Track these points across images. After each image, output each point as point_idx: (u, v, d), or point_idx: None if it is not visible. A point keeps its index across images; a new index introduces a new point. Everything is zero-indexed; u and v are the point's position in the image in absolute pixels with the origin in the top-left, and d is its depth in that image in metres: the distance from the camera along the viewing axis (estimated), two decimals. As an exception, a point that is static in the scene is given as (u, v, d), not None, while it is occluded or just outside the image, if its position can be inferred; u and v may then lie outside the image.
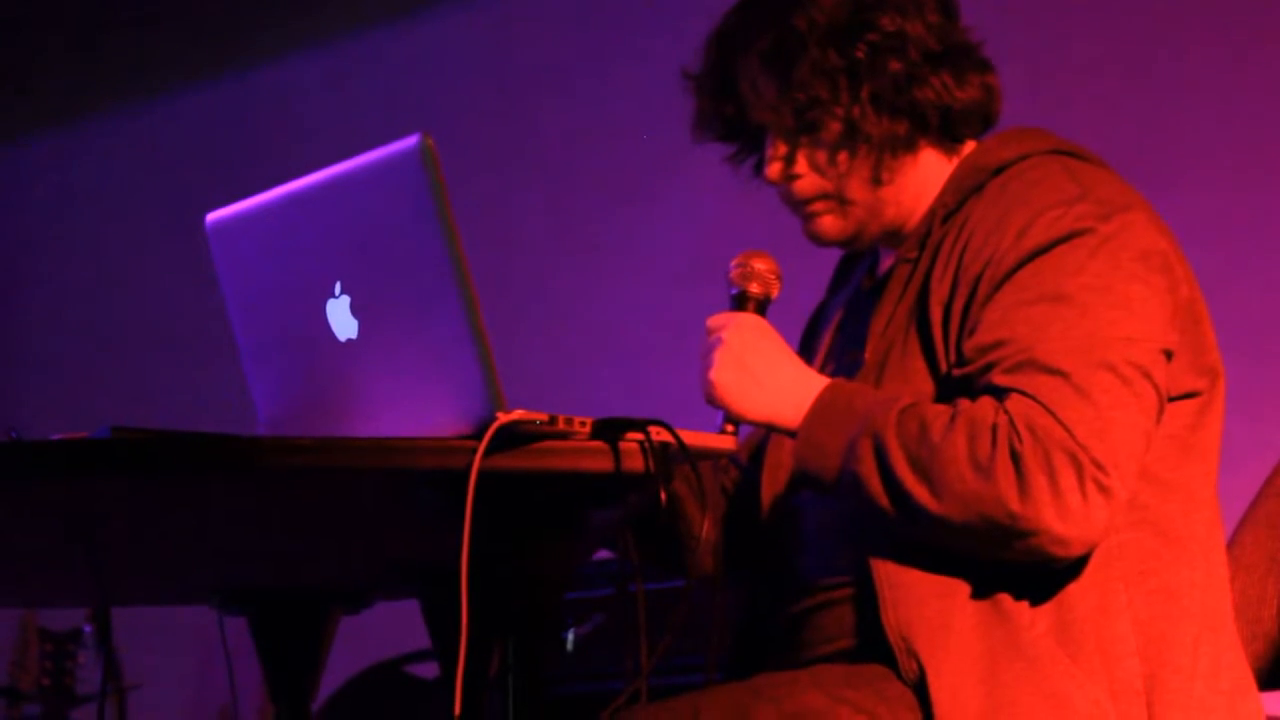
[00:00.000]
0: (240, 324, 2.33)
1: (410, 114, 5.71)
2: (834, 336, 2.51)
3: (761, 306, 2.40)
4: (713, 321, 2.37)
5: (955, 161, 2.43)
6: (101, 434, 1.95)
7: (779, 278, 2.41)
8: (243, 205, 2.29)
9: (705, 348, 2.35)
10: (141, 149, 6.47)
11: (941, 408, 2.23)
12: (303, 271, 2.21)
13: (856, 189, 2.41)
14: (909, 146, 2.40)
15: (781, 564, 2.44)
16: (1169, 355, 2.28)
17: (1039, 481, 2.16)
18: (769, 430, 2.38)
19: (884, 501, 2.22)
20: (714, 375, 2.32)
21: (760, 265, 2.41)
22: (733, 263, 2.41)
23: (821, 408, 2.28)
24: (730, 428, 2.34)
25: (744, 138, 2.49)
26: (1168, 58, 4.44)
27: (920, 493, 2.19)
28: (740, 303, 2.40)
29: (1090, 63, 4.52)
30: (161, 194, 6.31)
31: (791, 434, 2.30)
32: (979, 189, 2.38)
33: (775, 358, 2.33)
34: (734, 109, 2.45)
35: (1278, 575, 2.52)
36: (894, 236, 2.45)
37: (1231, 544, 2.52)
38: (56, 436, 2.00)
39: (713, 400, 2.33)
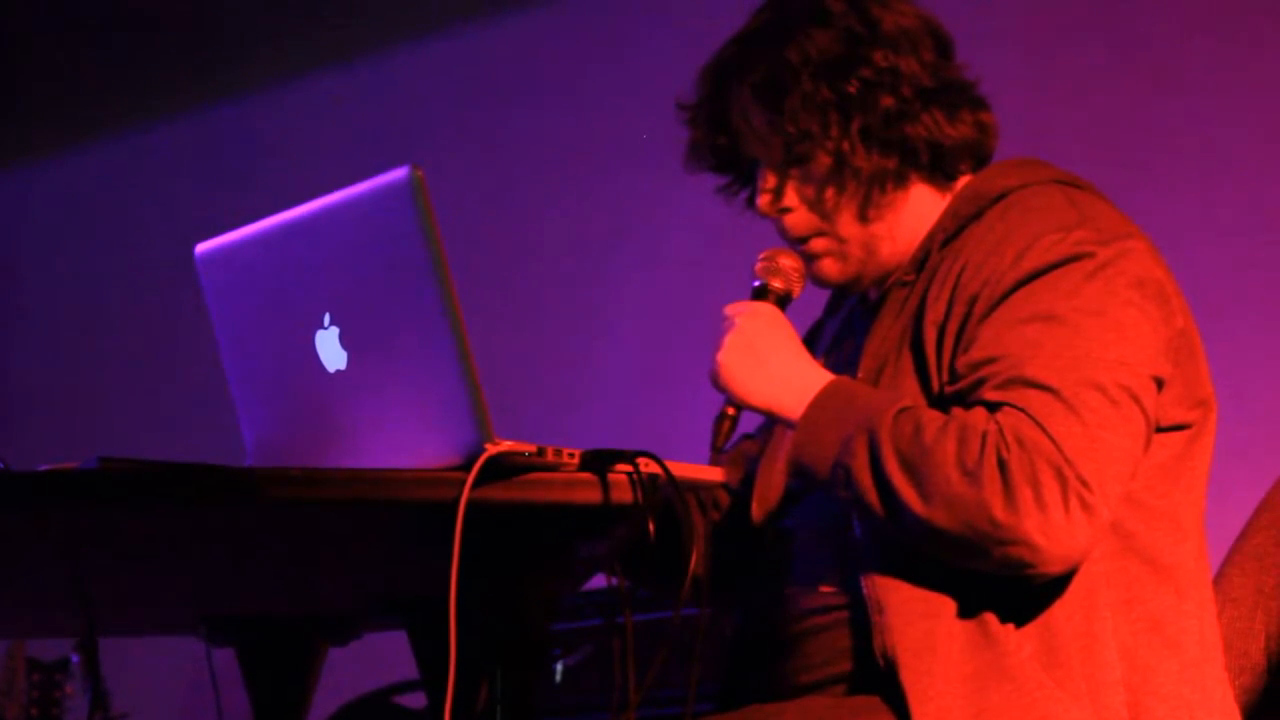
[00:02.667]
0: (229, 354, 2.33)
1: (400, 143, 5.72)
2: (829, 356, 2.52)
3: (781, 301, 2.43)
4: (729, 308, 2.39)
5: (948, 197, 2.44)
6: (89, 464, 1.94)
7: (803, 277, 2.44)
8: (232, 236, 2.29)
9: (718, 332, 2.36)
10: (132, 177, 6.47)
11: (938, 413, 2.25)
12: (292, 302, 2.21)
13: (846, 225, 2.42)
14: (899, 182, 2.41)
15: (771, 588, 2.44)
16: (1160, 384, 2.29)
17: (1024, 493, 2.16)
18: (768, 417, 2.39)
19: (872, 498, 2.22)
20: (721, 357, 2.35)
21: (786, 262, 2.44)
22: (759, 256, 2.45)
23: (824, 400, 2.30)
24: (731, 411, 2.37)
25: (737, 169, 2.50)
26: (1155, 57, 4.45)
27: (908, 493, 2.20)
28: (760, 295, 2.43)
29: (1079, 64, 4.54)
30: (151, 223, 6.31)
31: (790, 424, 2.32)
32: (978, 215, 2.39)
33: (784, 347, 2.35)
34: (726, 140, 2.46)
35: (1265, 608, 2.52)
36: (893, 275, 2.45)
37: (1219, 577, 2.52)
38: (44, 467, 2.00)
39: (717, 382, 2.35)
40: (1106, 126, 4.44)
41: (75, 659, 4.97)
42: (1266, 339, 4.23)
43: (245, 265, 2.28)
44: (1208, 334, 2.39)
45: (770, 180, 2.44)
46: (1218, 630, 2.38)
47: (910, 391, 2.33)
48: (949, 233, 2.40)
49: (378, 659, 3.65)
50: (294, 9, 5.80)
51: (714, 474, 2.24)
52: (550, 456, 2.07)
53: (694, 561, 2.50)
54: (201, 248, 2.33)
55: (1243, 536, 2.56)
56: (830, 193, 2.40)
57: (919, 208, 2.43)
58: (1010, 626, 2.25)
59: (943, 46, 2.44)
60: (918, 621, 2.25)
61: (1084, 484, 2.17)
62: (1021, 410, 2.20)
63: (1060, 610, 2.25)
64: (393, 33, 5.85)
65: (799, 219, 2.44)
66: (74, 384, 6.51)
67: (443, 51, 5.77)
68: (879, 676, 2.26)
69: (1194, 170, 4.35)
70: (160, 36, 5.96)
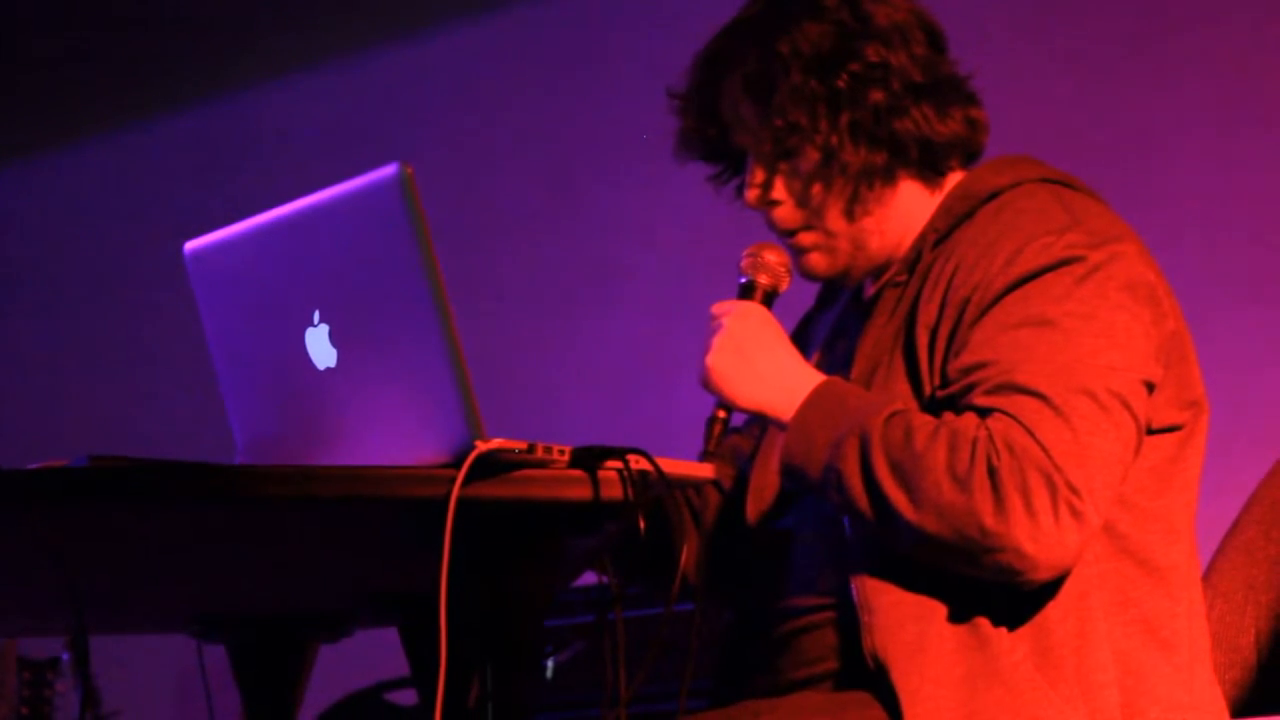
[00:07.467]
0: (219, 352, 2.33)
1: (391, 140, 5.72)
2: (821, 356, 2.52)
3: (768, 298, 2.42)
4: (717, 308, 2.38)
5: (938, 194, 2.43)
6: (79, 463, 1.94)
7: (789, 272, 2.43)
8: (222, 233, 2.29)
9: (706, 333, 2.36)
10: (123, 174, 6.46)
11: (929, 417, 2.24)
12: (282, 300, 2.21)
13: (834, 219, 2.41)
14: (887, 178, 2.40)
15: (765, 586, 2.44)
16: (1150, 387, 2.28)
17: (1014, 500, 2.16)
18: (759, 419, 2.39)
19: (863, 503, 2.22)
20: (710, 360, 2.34)
21: (772, 257, 2.42)
22: (745, 252, 2.43)
23: (816, 401, 2.29)
24: (722, 413, 2.36)
25: (727, 159, 2.50)
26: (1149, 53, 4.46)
27: (898, 498, 2.20)
28: (747, 292, 2.42)
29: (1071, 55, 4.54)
30: (143, 220, 6.31)
31: (782, 425, 2.31)
32: (970, 215, 2.38)
33: (774, 348, 2.34)
34: (716, 131, 2.46)
35: (1255, 603, 2.52)
36: (883, 270, 2.45)
37: (1209, 572, 2.53)
38: (34, 465, 2.00)
39: (707, 385, 2.34)
40: (1103, 124, 4.44)
41: (66, 657, 4.97)
42: (1256, 335, 4.23)
43: (235, 263, 2.28)
44: (1197, 331, 2.39)
45: (759, 174, 2.43)
46: (1207, 632, 2.39)
47: (902, 395, 2.32)
48: (941, 233, 2.39)
49: (369, 656, 3.65)
50: (286, 7, 5.80)
51: (704, 470, 2.23)
52: (540, 453, 2.06)
53: (685, 558, 2.50)
54: (190, 245, 2.32)
55: (1232, 531, 2.56)
56: (818, 187, 2.40)
57: (908, 203, 2.43)
58: (1003, 629, 2.25)
59: (935, 41, 2.44)
60: (909, 624, 2.25)
61: (1073, 490, 2.17)
62: (1011, 416, 2.19)
63: (1053, 612, 2.25)
64: (384, 31, 5.85)
65: (787, 213, 2.43)
66: (63, 381, 6.50)
67: (434, 49, 5.77)
68: (869, 676, 2.26)
69: (1191, 169, 4.35)
70: (152, 35, 5.96)
